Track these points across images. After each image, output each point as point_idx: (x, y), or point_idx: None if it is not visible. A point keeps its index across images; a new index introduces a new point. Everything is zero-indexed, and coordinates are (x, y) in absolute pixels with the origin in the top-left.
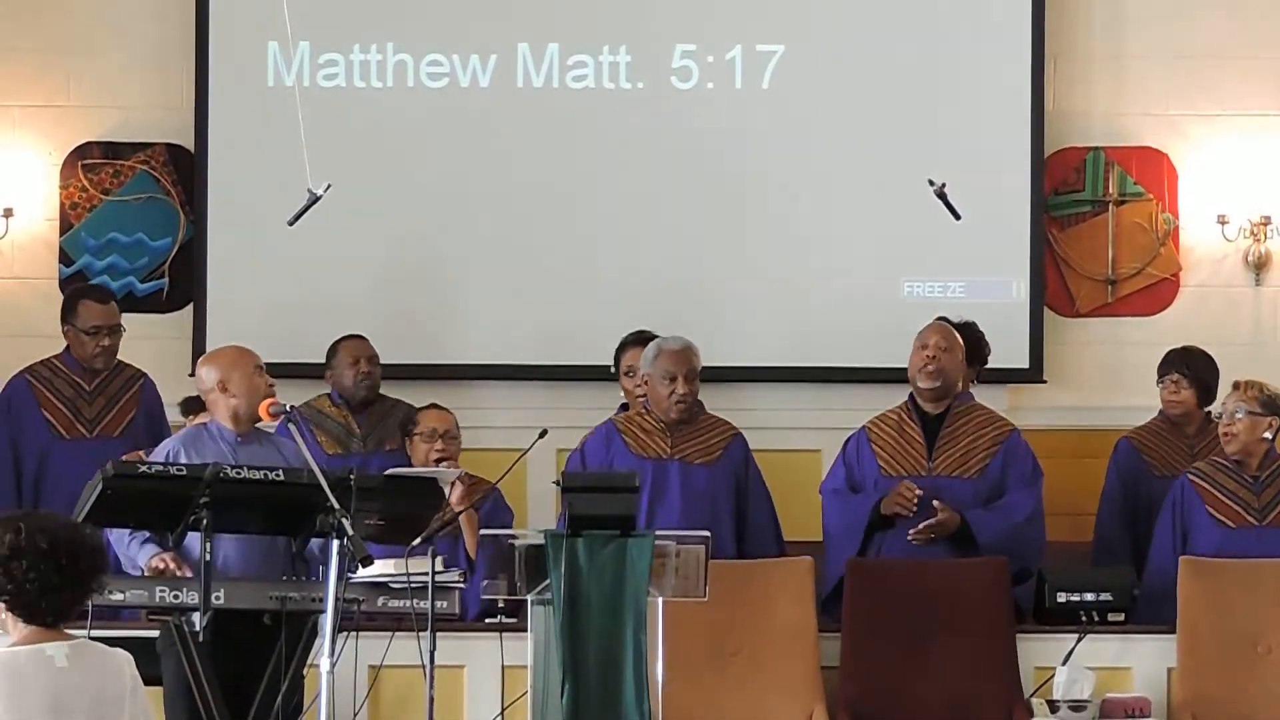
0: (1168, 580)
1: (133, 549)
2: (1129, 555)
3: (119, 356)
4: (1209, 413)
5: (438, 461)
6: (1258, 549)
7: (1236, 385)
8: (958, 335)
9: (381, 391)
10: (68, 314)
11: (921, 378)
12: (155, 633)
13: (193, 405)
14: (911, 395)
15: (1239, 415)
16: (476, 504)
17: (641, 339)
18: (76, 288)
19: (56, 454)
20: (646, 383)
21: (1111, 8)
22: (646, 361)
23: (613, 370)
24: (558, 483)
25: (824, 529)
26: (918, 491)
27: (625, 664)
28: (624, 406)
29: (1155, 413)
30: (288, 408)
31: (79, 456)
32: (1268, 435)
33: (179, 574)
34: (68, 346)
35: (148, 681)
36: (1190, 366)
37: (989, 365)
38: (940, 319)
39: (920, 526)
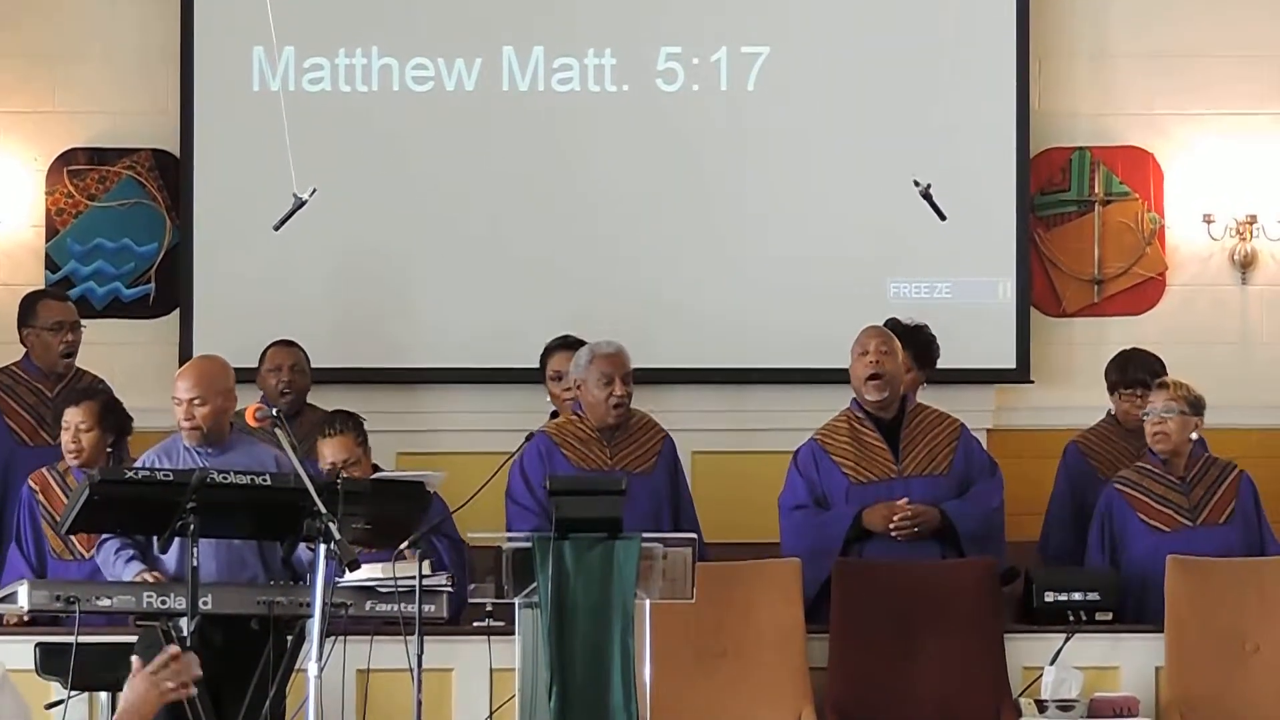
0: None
1: (118, 567)
2: (1073, 559)
3: (114, 361)
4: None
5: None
6: (1195, 550)
7: (1164, 385)
8: (894, 337)
9: (353, 406)
10: (26, 317)
11: (868, 390)
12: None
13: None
14: (856, 401)
15: (1169, 415)
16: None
17: (567, 343)
18: (31, 292)
19: (19, 461)
20: (579, 387)
21: (1097, 8)
22: (579, 367)
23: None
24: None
25: (786, 547)
26: (909, 511)
27: (613, 666)
28: (554, 414)
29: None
30: (274, 413)
31: (42, 464)
32: (1194, 435)
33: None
34: (27, 353)
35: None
36: (1152, 375)
37: (976, 366)
38: (891, 320)
39: (896, 519)
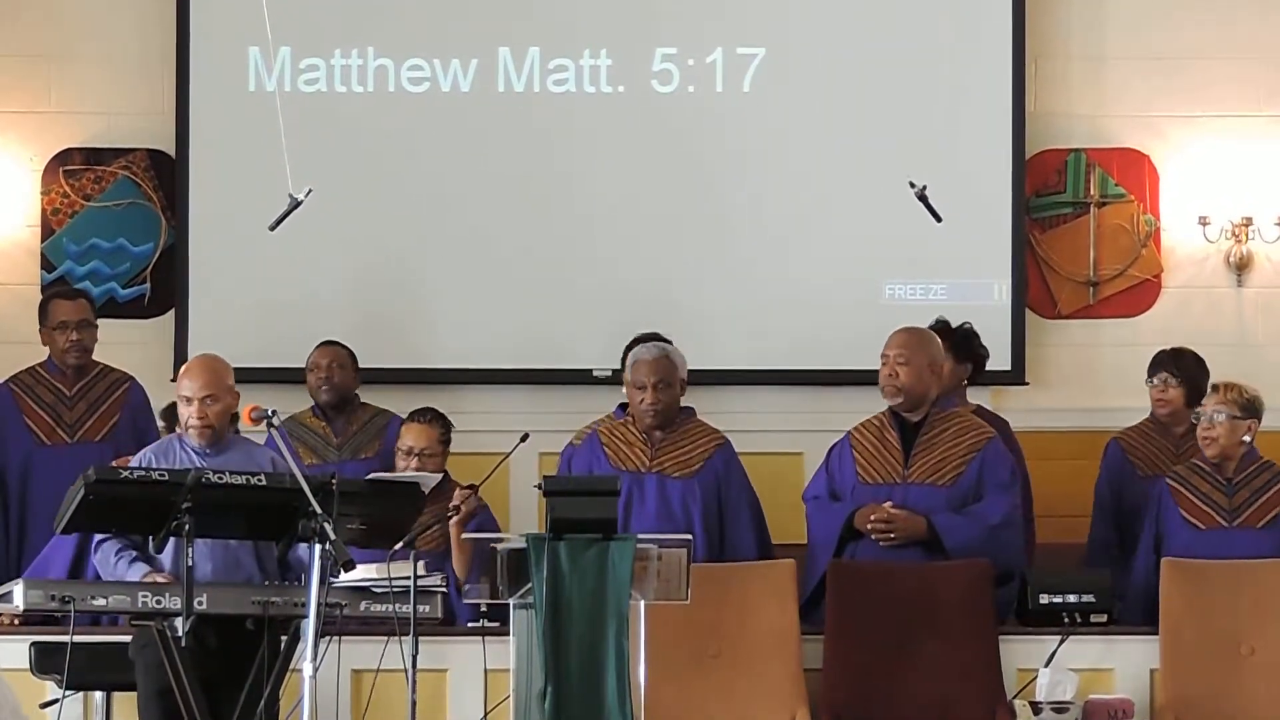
0: (1148, 583)
1: (120, 568)
2: (1117, 557)
3: (106, 361)
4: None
5: None
6: (1226, 550)
7: (1215, 388)
8: (923, 341)
9: (365, 400)
10: (42, 317)
11: (885, 395)
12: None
13: (171, 414)
14: None
15: (1219, 419)
16: (465, 518)
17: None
18: (49, 291)
19: (38, 460)
20: (626, 389)
21: (1092, 10)
22: (627, 370)
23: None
24: (539, 486)
25: (808, 535)
26: (893, 515)
27: (608, 667)
28: (623, 406)
29: (1143, 414)
30: (269, 412)
31: (59, 462)
32: (1246, 438)
33: None
34: (50, 354)
35: (126, 687)
36: (1180, 367)
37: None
38: (940, 319)
39: (873, 519)
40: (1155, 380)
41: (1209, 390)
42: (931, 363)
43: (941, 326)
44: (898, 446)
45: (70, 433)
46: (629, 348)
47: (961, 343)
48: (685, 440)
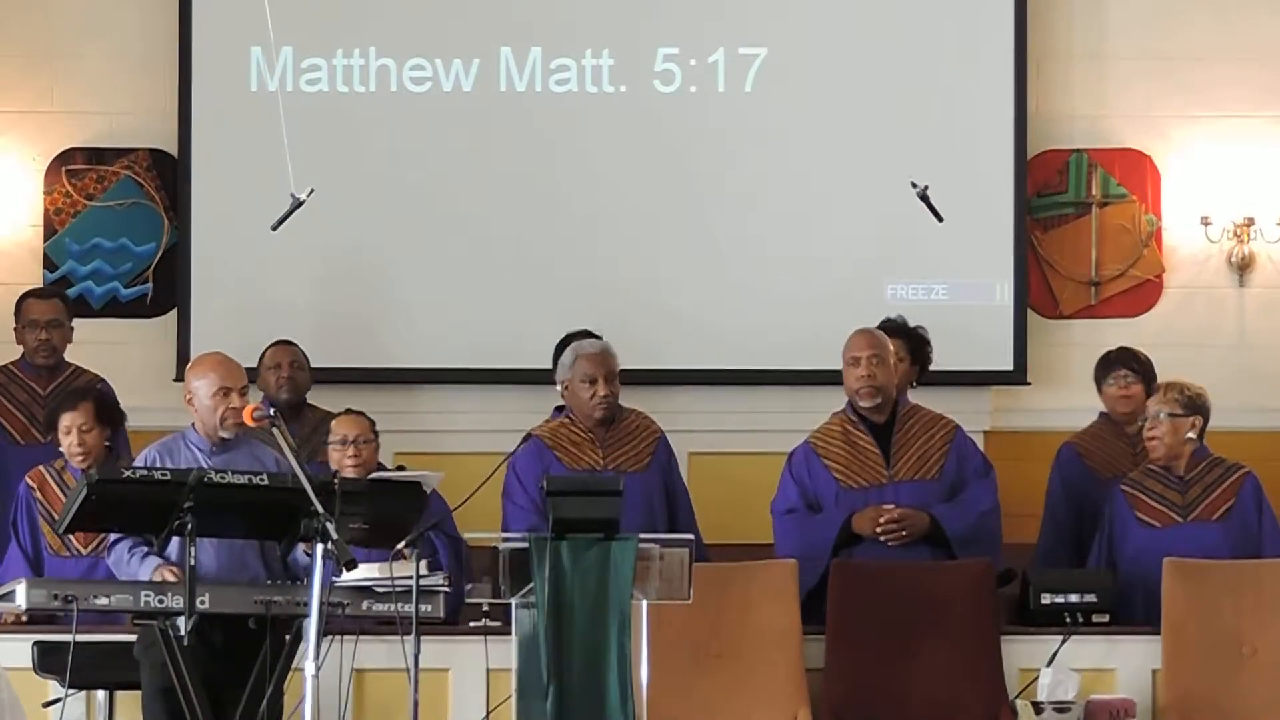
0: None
1: (133, 566)
2: (1071, 563)
3: (109, 361)
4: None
5: (353, 470)
6: (1180, 545)
7: (1157, 388)
8: (885, 339)
9: (351, 405)
10: (16, 315)
11: (861, 398)
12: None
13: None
14: (850, 404)
15: (1161, 419)
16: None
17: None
18: (26, 290)
19: (11, 460)
20: (566, 388)
21: (1094, 10)
22: (564, 367)
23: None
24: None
25: (779, 551)
26: (895, 514)
27: (610, 667)
28: (559, 409)
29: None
30: (270, 412)
31: (33, 462)
32: (1192, 435)
33: None
34: (24, 352)
35: (128, 686)
36: (1139, 362)
37: (974, 368)
38: (885, 321)
39: (883, 520)
40: (1113, 380)
41: (1155, 392)
42: (895, 361)
43: (896, 326)
44: (873, 448)
45: (44, 432)
46: (559, 347)
47: (917, 344)
48: (629, 435)
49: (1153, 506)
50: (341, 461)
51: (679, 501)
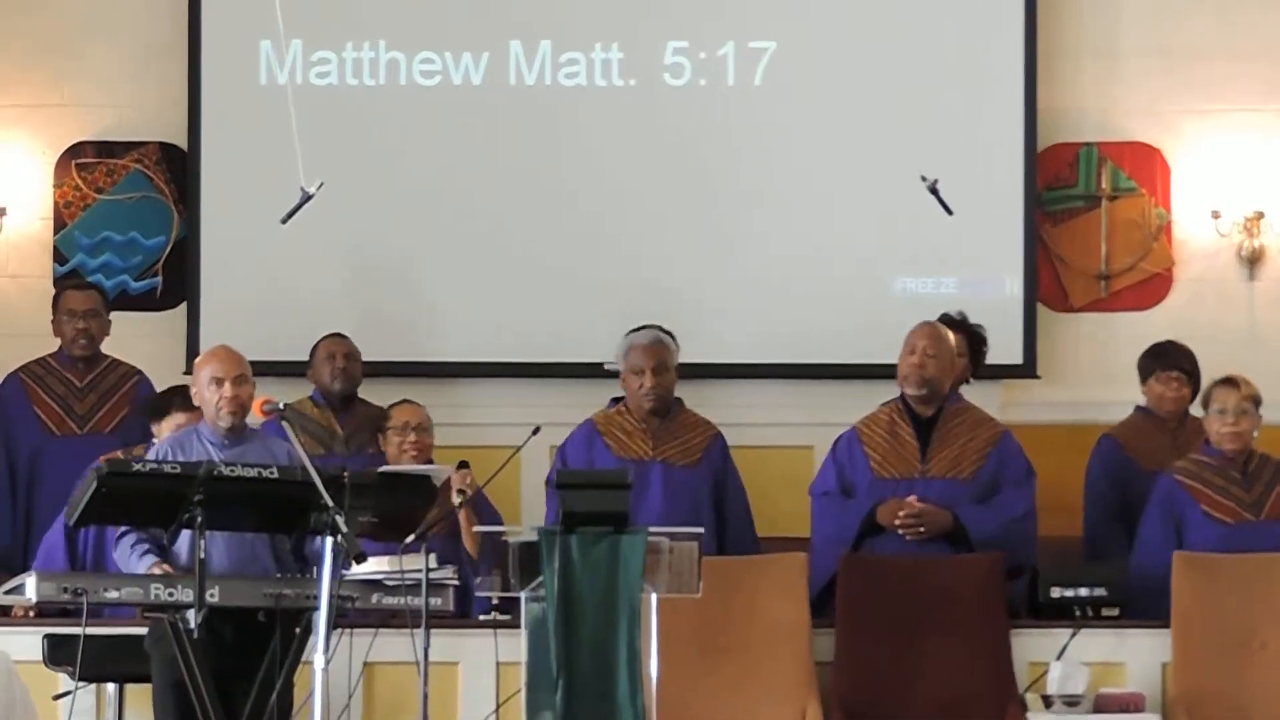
0: (1153, 577)
1: (131, 561)
2: (1120, 551)
3: (119, 354)
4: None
5: (413, 457)
6: (1259, 543)
7: (1234, 383)
8: (948, 336)
9: (364, 397)
10: (54, 306)
11: (909, 385)
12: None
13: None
14: (903, 395)
15: (1245, 413)
16: (471, 499)
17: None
18: (63, 282)
19: (48, 451)
20: (623, 379)
21: (1104, 4)
22: (619, 357)
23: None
24: (549, 481)
25: (813, 532)
26: (915, 509)
27: (619, 660)
28: (615, 400)
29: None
30: (280, 405)
31: (69, 454)
32: (1255, 432)
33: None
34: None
35: (136, 679)
36: (1189, 364)
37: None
38: (944, 315)
39: (902, 514)
40: (1163, 380)
41: (1221, 385)
42: (953, 358)
43: (956, 321)
44: (913, 441)
45: (81, 424)
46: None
47: (974, 341)
48: (683, 429)
49: (1220, 501)
50: (402, 447)
51: (729, 501)
